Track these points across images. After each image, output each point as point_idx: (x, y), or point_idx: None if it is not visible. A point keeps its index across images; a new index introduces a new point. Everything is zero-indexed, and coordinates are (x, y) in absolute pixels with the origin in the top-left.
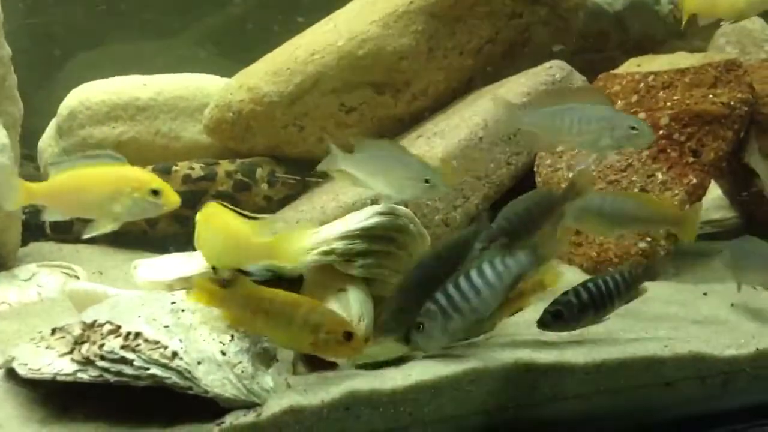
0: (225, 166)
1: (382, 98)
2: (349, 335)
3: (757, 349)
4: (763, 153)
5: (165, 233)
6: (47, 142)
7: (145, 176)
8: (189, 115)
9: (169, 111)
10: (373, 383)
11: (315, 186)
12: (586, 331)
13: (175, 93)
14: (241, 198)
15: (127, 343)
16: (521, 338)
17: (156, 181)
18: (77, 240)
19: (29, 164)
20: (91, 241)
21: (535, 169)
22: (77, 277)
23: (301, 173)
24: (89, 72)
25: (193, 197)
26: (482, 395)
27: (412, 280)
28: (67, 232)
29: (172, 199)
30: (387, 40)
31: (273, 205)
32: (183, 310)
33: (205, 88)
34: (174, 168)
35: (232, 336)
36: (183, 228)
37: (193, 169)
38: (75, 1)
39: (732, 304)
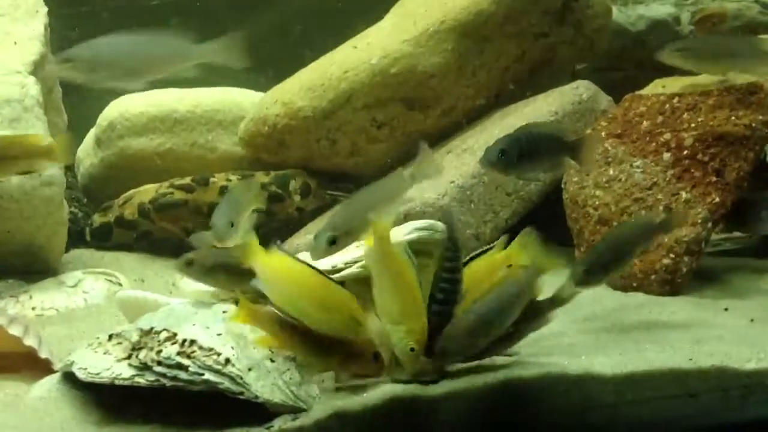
0: (260, 178)
1: (412, 114)
2: (376, 356)
3: None
4: None
5: None
6: (86, 151)
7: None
8: (224, 127)
9: (205, 123)
10: (414, 390)
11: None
12: (613, 343)
13: (211, 106)
14: (275, 209)
15: (183, 349)
16: (549, 350)
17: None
18: (116, 248)
19: (68, 174)
20: (130, 248)
21: (562, 185)
22: (120, 285)
23: (332, 185)
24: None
25: None
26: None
27: None
28: (106, 239)
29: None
30: (418, 58)
31: (305, 216)
32: None
33: (240, 102)
34: (212, 179)
35: None
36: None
37: (230, 180)
38: (106, 15)
39: (752, 320)
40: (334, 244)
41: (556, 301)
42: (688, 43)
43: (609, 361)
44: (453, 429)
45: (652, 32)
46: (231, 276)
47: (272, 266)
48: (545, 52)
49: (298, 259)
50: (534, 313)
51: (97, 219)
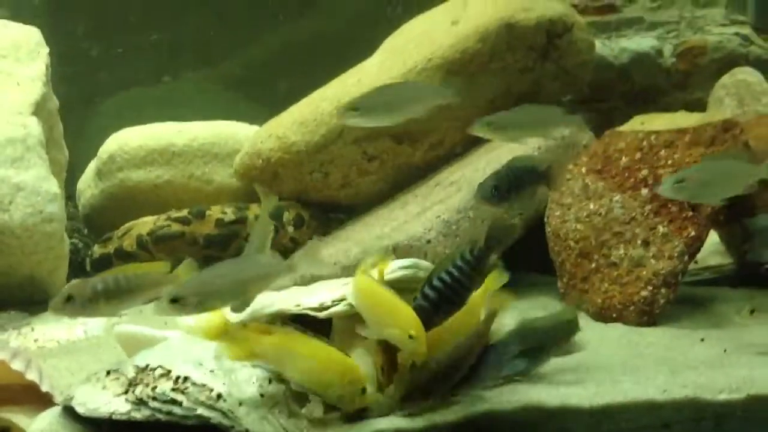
0: (254, 210)
1: (401, 148)
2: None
3: (748, 394)
4: (762, 209)
5: None
6: (86, 183)
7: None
8: (220, 160)
9: (202, 156)
10: (399, 424)
11: (339, 229)
12: (589, 377)
13: (208, 139)
14: None
15: (177, 386)
16: (527, 382)
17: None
18: None
19: (69, 204)
20: None
21: (545, 220)
22: (119, 316)
23: (324, 216)
24: (118, 116)
25: (225, 240)
26: None
27: None
28: (106, 269)
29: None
30: None
31: (298, 247)
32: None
33: (235, 135)
34: (207, 212)
35: (270, 380)
36: None
37: (225, 213)
38: (103, 51)
39: (725, 350)
40: (176, 302)
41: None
42: (495, 118)
43: (586, 393)
44: None
45: (636, 65)
46: (112, 302)
47: (275, 345)
48: (530, 86)
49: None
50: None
51: (97, 250)
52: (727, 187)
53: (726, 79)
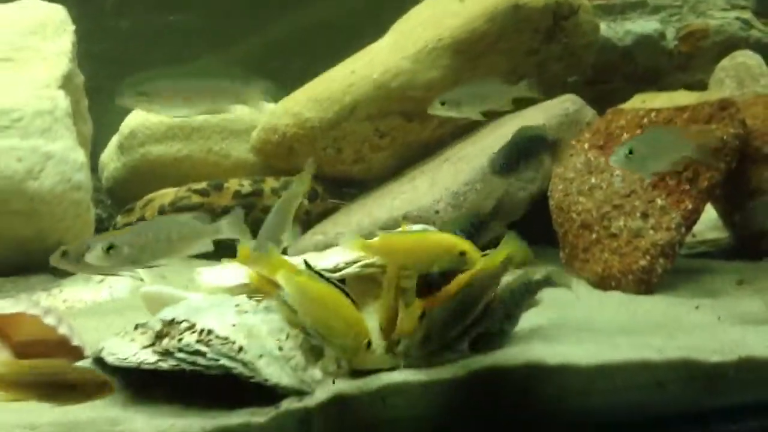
0: (270, 183)
1: (411, 125)
2: (369, 344)
3: (740, 356)
4: (754, 184)
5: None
6: (109, 156)
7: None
8: (237, 136)
9: (220, 132)
10: (407, 377)
11: (352, 202)
12: (588, 338)
13: (225, 116)
14: None
15: (201, 338)
16: (531, 341)
17: (462, 246)
18: None
19: (93, 177)
20: None
21: (548, 193)
22: (142, 280)
23: (338, 190)
24: None
25: (243, 207)
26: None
27: None
28: None
29: (474, 257)
30: (417, 73)
31: (312, 219)
32: (246, 312)
33: (252, 112)
34: (225, 185)
35: (287, 335)
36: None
37: (242, 185)
38: (126, 31)
39: (719, 317)
40: (111, 250)
41: (548, 281)
42: (449, 95)
43: (585, 352)
44: (447, 409)
45: (639, 47)
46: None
47: (298, 283)
48: (536, 67)
49: (321, 277)
50: (527, 294)
51: (121, 220)
52: (669, 158)
53: (726, 61)
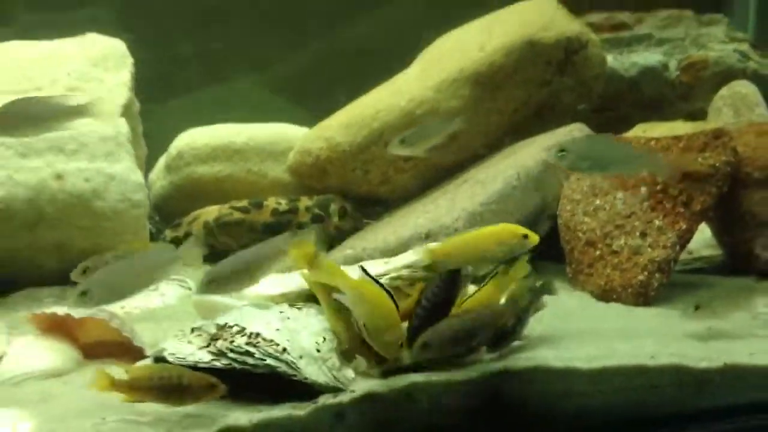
0: (304, 201)
1: (433, 150)
2: (402, 344)
3: (725, 363)
4: (745, 207)
5: None
6: (157, 175)
7: (516, 227)
8: (274, 158)
9: (258, 154)
10: (430, 377)
11: (378, 220)
12: (590, 344)
13: (264, 139)
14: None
15: (250, 340)
16: (537, 347)
17: (522, 230)
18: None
19: None
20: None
21: (557, 213)
22: (189, 288)
23: (365, 209)
24: (176, 118)
25: (280, 227)
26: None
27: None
28: None
29: (534, 238)
30: (440, 102)
31: (342, 235)
32: (288, 318)
33: (287, 136)
34: (264, 203)
35: (324, 338)
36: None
37: (279, 203)
38: (170, 58)
39: (709, 328)
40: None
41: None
42: (403, 136)
43: (587, 357)
44: (470, 409)
45: (644, 77)
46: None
47: (357, 285)
48: (548, 97)
49: (375, 282)
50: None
51: (169, 234)
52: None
53: (724, 90)
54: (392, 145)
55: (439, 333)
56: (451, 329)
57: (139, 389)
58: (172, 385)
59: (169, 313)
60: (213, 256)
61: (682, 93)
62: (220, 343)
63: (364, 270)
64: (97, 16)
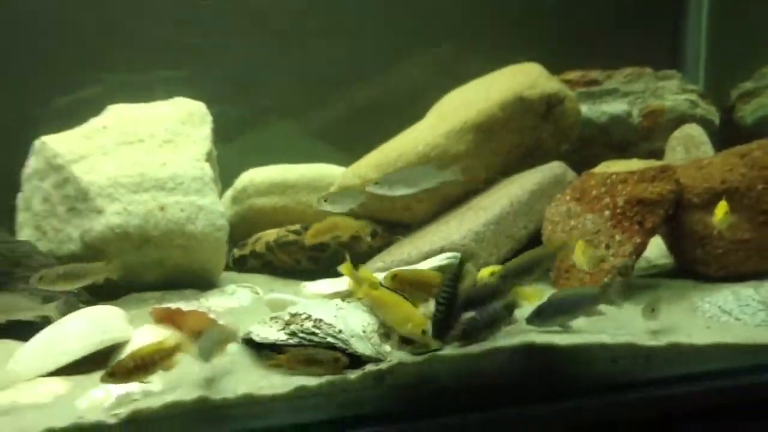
0: None
1: (445, 183)
2: (424, 331)
3: (669, 342)
4: (688, 226)
5: (304, 268)
6: (224, 206)
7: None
8: (319, 191)
9: (306, 188)
10: (451, 352)
11: (401, 239)
12: (566, 329)
13: (311, 176)
14: (353, 246)
15: (315, 324)
16: (529, 332)
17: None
18: (249, 271)
19: None
20: (259, 272)
21: (542, 231)
22: (257, 293)
23: (392, 230)
24: (238, 160)
25: (322, 246)
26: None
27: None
28: (243, 266)
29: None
30: (449, 147)
31: (374, 252)
32: (341, 309)
33: (329, 174)
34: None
35: (368, 323)
36: (315, 265)
37: None
38: (224, 113)
39: (659, 318)
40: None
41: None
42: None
43: (562, 338)
44: (486, 376)
45: (613, 123)
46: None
47: (373, 294)
48: (535, 141)
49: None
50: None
51: (237, 252)
52: (412, 186)
53: (677, 133)
54: (318, 201)
55: (473, 323)
56: (482, 320)
57: (292, 362)
58: (312, 360)
59: (245, 311)
60: (270, 269)
61: (644, 135)
62: (293, 327)
63: (382, 284)
64: (168, 77)
